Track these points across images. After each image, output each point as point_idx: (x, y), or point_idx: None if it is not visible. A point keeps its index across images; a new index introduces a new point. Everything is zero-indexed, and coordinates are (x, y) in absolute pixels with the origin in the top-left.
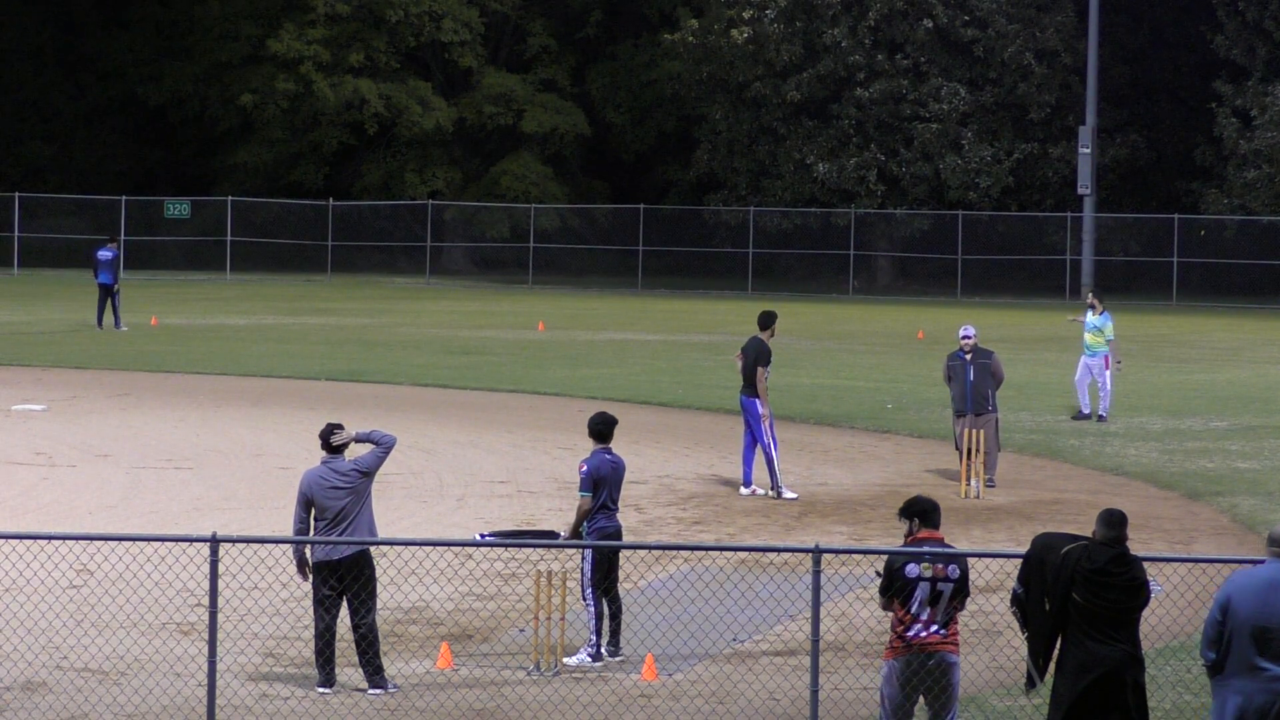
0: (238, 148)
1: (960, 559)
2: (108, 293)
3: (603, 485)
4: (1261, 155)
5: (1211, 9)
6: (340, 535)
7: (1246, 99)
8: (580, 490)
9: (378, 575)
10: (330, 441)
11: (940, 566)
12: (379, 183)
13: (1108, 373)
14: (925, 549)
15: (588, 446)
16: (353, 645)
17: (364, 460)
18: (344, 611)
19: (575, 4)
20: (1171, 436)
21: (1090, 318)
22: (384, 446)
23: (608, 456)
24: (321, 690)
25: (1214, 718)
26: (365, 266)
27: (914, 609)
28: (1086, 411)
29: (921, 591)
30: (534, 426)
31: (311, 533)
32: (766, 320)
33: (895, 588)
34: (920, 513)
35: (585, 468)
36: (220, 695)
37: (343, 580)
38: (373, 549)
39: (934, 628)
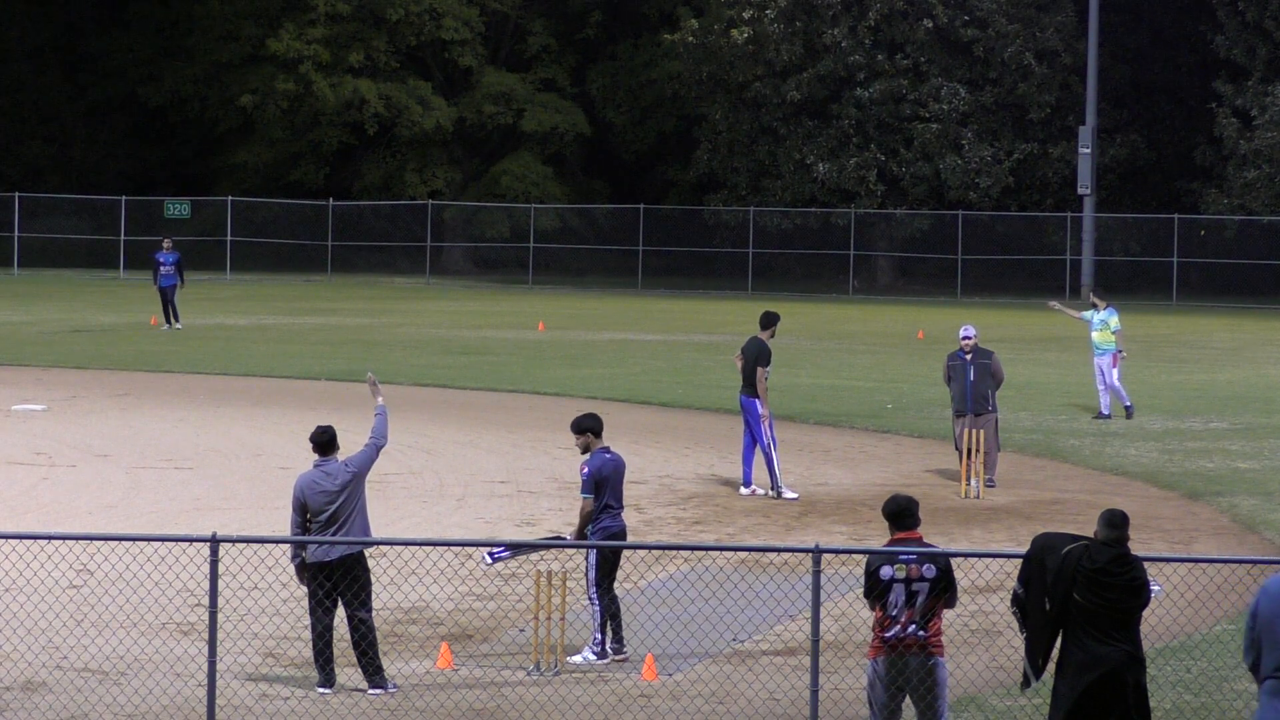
0: (238, 148)
1: (937, 558)
2: (167, 294)
3: (605, 485)
4: (1261, 155)
5: (1211, 9)
6: (333, 537)
7: (1246, 99)
8: (582, 492)
9: (378, 575)
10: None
11: (914, 567)
12: (379, 183)
13: (1115, 369)
14: (901, 550)
15: None
16: (353, 645)
17: (355, 460)
18: (343, 613)
19: (575, 4)
20: (1171, 436)
21: (1095, 316)
22: (377, 442)
23: (608, 455)
24: (321, 690)
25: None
26: (365, 266)
27: (891, 611)
28: (1106, 413)
29: (897, 593)
30: (534, 426)
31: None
32: (767, 321)
33: (872, 590)
34: (890, 516)
35: (587, 469)
36: (220, 695)
37: (336, 581)
38: (373, 549)
39: (911, 628)
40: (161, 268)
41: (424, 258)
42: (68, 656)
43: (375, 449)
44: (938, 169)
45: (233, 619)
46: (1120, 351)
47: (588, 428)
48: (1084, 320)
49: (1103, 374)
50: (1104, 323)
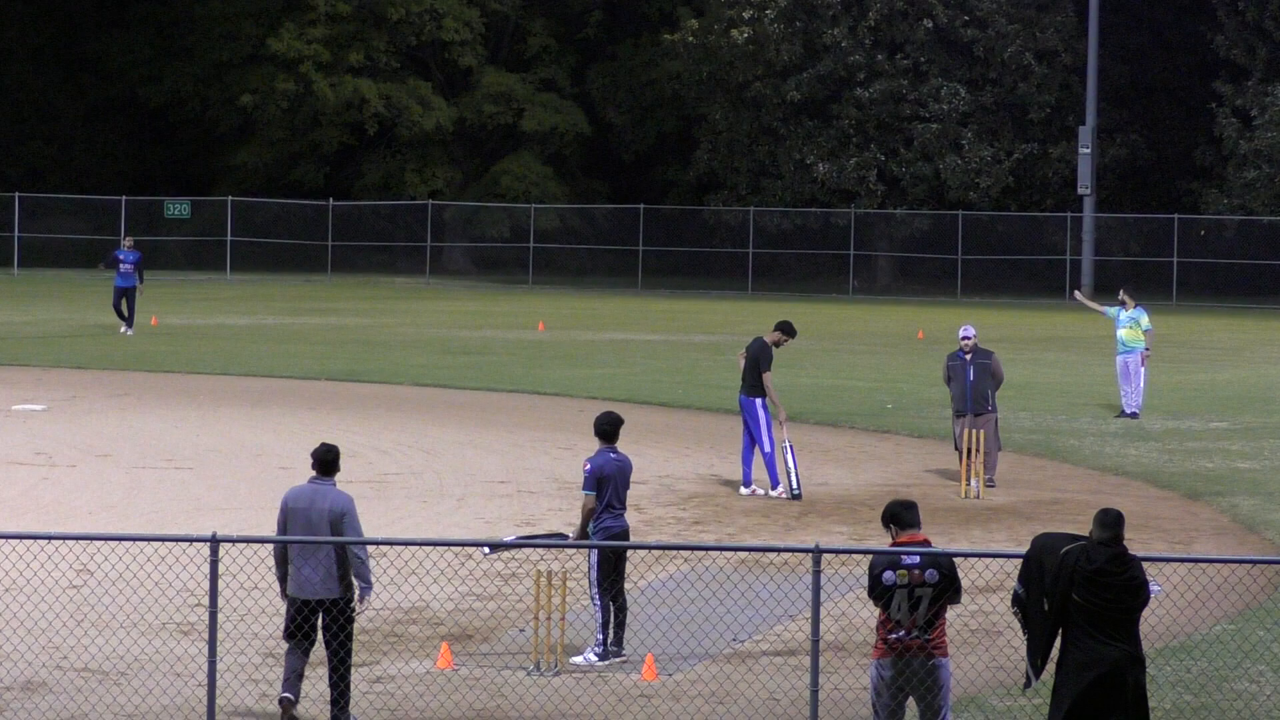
0: (238, 148)
1: (941, 561)
2: (124, 294)
3: (606, 484)
4: (1261, 155)
5: (1211, 9)
6: (307, 571)
7: (1246, 99)
8: (583, 489)
9: (378, 575)
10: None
11: (916, 573)
12: (379, 183)
13: (1143, 369)
14: (902, 550)
15: (587, 446)
16: (329, 671)
17: (351, 511)
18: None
19: (575, 4)
20: (1171, 436)
21: (1123, 313)
22: (363, 580)
23: (612, 456)
24: None
25: None
26: (365, 266)
27: (895, 615)
28: (1130, 410)
29: (899, 598)
30: (534, 426)
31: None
32: (779, 327)
33: (876, 593)
34: (891, 517)
35: (589, 466)
36: (220, 695)
37: (312, 623)
38: (372, 549)
39: (915, 632)
40: (121, 265)
41: (424, 258)
42: (68, 656)
43: (361, 581)
44: (938, 169)
45: (233, 619)
46: (1148, 351)
47: (597, 432)
48: (1108, 315)
49: (1126, 371)
50: (1134, 320)
